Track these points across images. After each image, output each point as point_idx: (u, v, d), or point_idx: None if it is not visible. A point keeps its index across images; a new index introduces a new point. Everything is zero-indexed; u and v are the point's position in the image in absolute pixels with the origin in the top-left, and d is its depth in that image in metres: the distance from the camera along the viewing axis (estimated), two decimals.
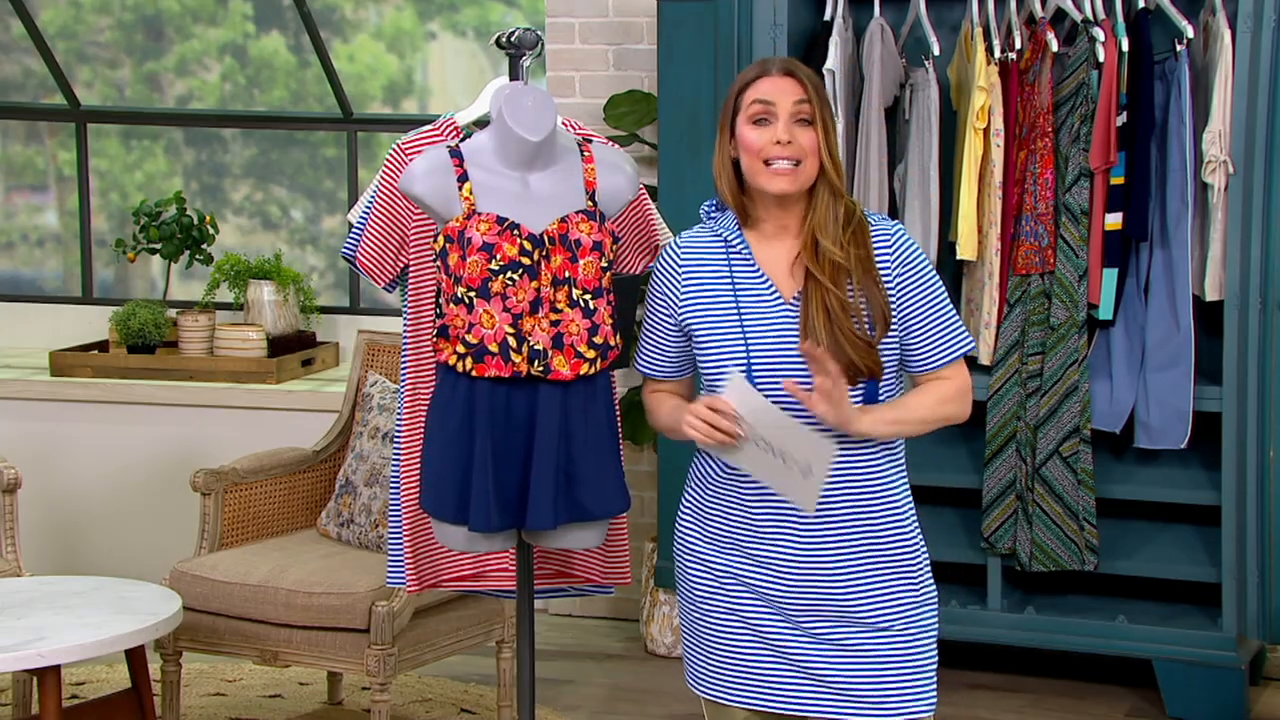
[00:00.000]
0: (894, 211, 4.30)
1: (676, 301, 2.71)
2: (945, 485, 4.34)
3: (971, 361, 4.24)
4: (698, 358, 2.71)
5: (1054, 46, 4.09)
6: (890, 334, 2.63)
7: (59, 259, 6.06)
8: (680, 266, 2.72)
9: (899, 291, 2.64)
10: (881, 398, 2.65)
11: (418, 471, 3.17)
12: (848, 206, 2.65)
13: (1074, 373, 4.11)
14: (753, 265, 2.67)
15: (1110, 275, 4.11)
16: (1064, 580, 4.36)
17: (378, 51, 5.69)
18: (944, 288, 2.69)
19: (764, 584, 2.66)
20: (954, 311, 2.68)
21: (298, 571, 4.00)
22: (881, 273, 2.63)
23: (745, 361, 2.62)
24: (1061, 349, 4.12)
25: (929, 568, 2.72)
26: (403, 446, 3.23)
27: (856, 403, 2.62)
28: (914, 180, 4.24)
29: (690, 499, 2.76)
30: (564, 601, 5.10)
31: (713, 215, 2.75)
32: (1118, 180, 4.08)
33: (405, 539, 3.22)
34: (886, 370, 2.64)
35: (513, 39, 3.14)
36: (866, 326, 2.61)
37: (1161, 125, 4.08)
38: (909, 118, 4.28)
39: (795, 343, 2.61)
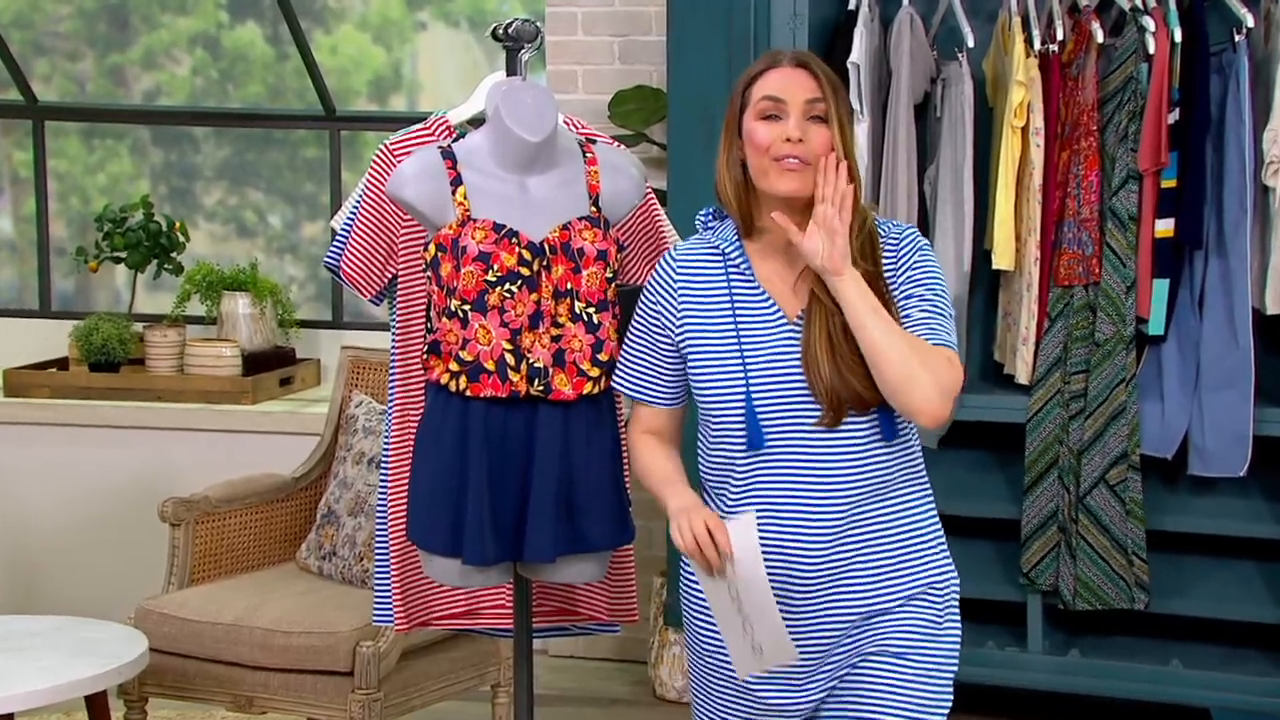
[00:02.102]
0: (924, 217, 4.32)
1: (674, 320, 2.69)
2: (980, 516, 4.36)
3: (1008, 380, 4.26)
4: (692, 384, 2.69)
5: (1099, 37, 4.11)
6: None
7: (14, 268, 6.09)
8: (676, 281, 2.70)
9: (901, 289, 2.62)
10: (901, 431, 2.64)
11: (406, 500, 3.19)
12: (861, 216, 2.62)
13: (1121, 393, 4.13)
14: (752, 282, 2.65)
15: (1161, 287, 4.12)
16: (1111, 620, 4.37)
17: (363, 43, 5.72)
18: (945, 294, 2.63)
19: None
20: (946, 318, 2.61)
21: (275, 609, 4.01)
22: (889, 285, 2.61)
23: (744, 387, 2.60)
24: (1107, 367, 4.13)
25: (955, 599, 2.70)
26: (390, 473, 3.25)
27: (873, 438, 2.60)
28: (946, 183, 4.26)
29: None
30: (565, 642, 5.11)
31: (710, 225, 2.72)
32: (1169, 183, 4.10)
33: (392, 573, 3.23)
34: None
35: (510, 31, 3.16)
36: None
37: (1218, 123, 4.10)
38: (940, 115, 4.30)
39: (798, 367, 2.59)
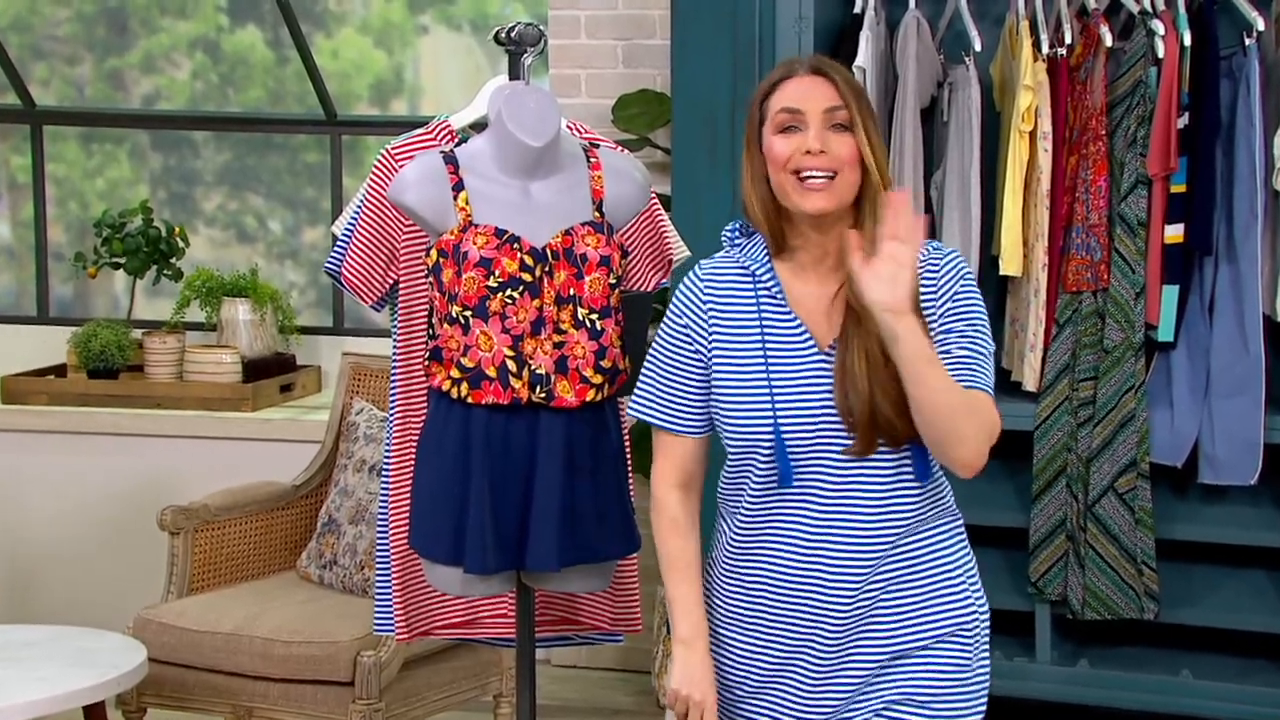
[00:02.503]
0: (931, 222, 4.32)
1: (705, 340, 2.56)
2: (988, 524, 4.34)
3: (1016, 387, 4.26)
4: (717, 415, 2.55)
5: (1108, 41, 4.11)
6: None
7: (12, 274, 6.09)
8: (705, 300, 2.56)
9: (941, 324, 2.50)
10: (935, 470, 2.55)
11: (407, 508, 3.18)
12: None
13: (1130, 400, 4.12)
14: (784, 306, 2.52)
15: (1170, 293, 4.12)
16: (1121, 630, 4.36)
17: (364, 47, 5.72)
18: (986, 329, 2.53)
19: (795, 657, 2.57)
20: (986, 358, 2.52)
21: (275, 618, 4.01)
22: (925, 309, 2.48)
23: (771, 420, 2.48)
24: (1116, 374, 4.13)
25: (986, 635, 2.62)
26: (391, 481, 3.25)
27: (904, 474, 2.50)
28: (953, 188, 4.26)
29: (711, 570, 2.65)
30: (568, 651, 5.11)
31: (736, 241, 2.59)
32: (1179, 188, 4.10)
33: (394, 582, 3.23)
34: None
35: (513, 34, 3.17)
36: None
37: (1228, 127, 4.09)
38: (947, 119, 4.30)
39: (830, 400, 2.47)
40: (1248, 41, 4.05)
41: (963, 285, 2.53)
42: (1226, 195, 4.10)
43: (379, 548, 3.26)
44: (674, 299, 2.60)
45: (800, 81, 2.52)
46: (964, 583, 2.61)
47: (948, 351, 2.49)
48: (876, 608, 2.54)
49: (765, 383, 2.50)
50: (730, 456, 2.58)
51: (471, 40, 5.68)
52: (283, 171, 5.89)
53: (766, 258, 2.55)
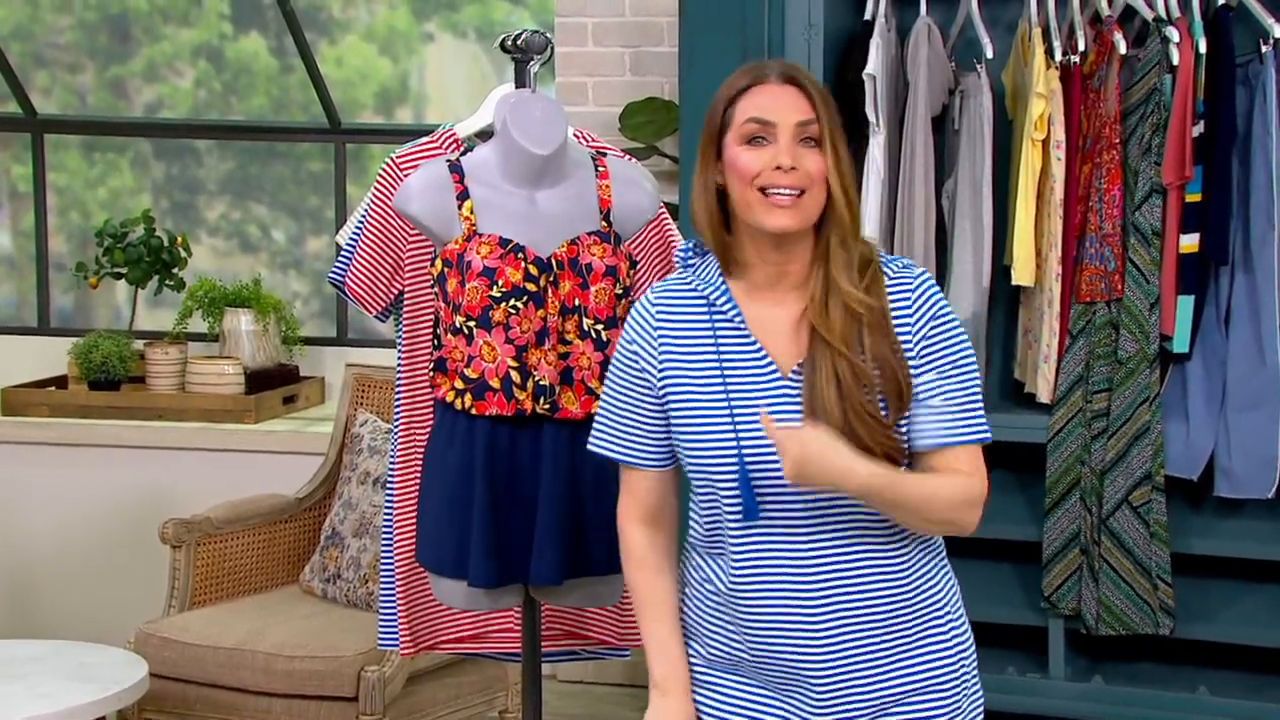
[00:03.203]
0: (942, 232, 4.32)
1: (655, 367, 2.44)
2: (1001, 538, 4.34)
3: (1029, 399, 4.25)
4: (679, 447, 2.43)
5: (1122, 48, 4.11)
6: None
7: (12, 285, 6.10)
8: (655, 326, 2.44)
9: (917, 355, 2.38)
10: None
11: (412, 521, 3.19)
12: (862, 250, 2.40)
13: (1145, 412, 4.12)
14: (742, 331, 2.40)
15: (1186, 303, 4.11)
16: (1136, 645, 4.35)
17: (369, 54, 5.73)
18: (974, 358, 2.43)
19: (786, 702, 2.46)
20: (978, 389, 2.42)
21: (278, 633, 4.01)
22: (899, 333, 2.38)
23: (736, 454, 2.36)
24: (1131, 385, 4.12)
25: (976, 680, 2.53)
26: (396, 493, 3.25)
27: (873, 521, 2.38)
28: (964, 197, 4.26)
29: (689, 610, 2.52)
30: (574, 666, 5.10)
31: (690, 262, 2.46)
32: (1194, 197, 4.09)
33: (398, 596, 3.23)
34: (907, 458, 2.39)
35: (519, 42, 3.17)
36: (880, 401, 2.35)
37: (1244, 135, 4.09)
38: (959, 128, 4.30)
39: (798, 427, 2.32)
40: (1264, 48, 4.05)
41: (939, 307, 2.42)
42: (1243, 204, 4.10)
43: (383, 561, 3.26)
44: (625, 326, 2.49)
45: (771, 90, 2.39)
46: (949, 618, 2.48)
47: (930, 392, 2.39)
48: (864, 650, 2.42)
49: (727, 411, 2.38)
50: (695, 491, 2.46)
51: (477, 48, 5.69)
52: (286, 180, 5.89)
53: (721, 280, 2.43)
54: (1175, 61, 4.05)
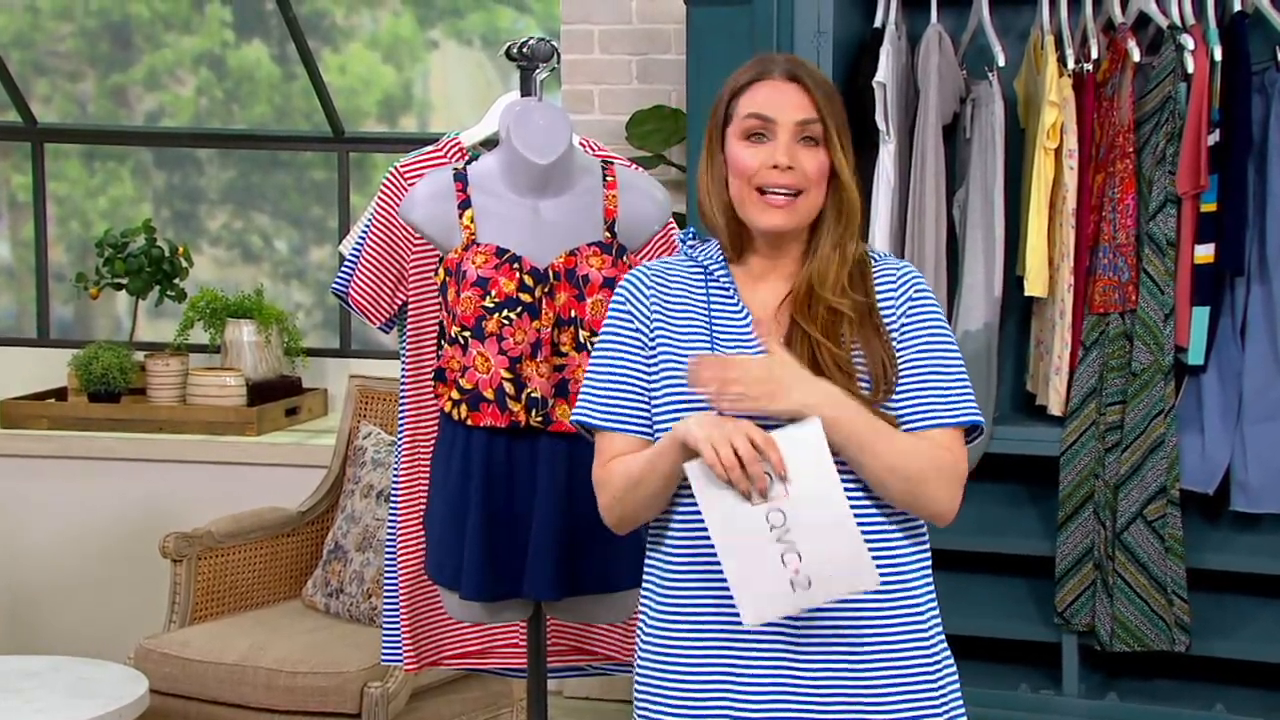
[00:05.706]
0: (953, 241, 4.32)
1: (648, 331, 2.43)
2: (1013, 552, 4.34)
3: (1041, 411, 4.26)
4: (661, 416, 2.39)
5: (1136, 56, 4.12)
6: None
7: (12, 295, 6.12)
8: (649, 290, 2.45)
9: (900, 338, 2.40)
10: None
11: (415, 535, 3.19)
12: (857, 251, 2.43)
13: (1160, 425, 4.12)
14: (734, 302, 2.43)
15: (1201, 314, 4.11)
16: (1151, 662, 4.35)
17: (372, 62, 5.75)
18: (957, 345, 2.44)
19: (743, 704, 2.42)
20: (964, 375, 2.43)
21: (280, 648, 4.02)
22: (885, 319, 2.41)
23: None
24: (1145, 398, 4.12)
25: (956, 685, 2.47)
26: (399, 506, 3.25)
27: (857, 496, 2.33)
28: (976, 207, 4.26)
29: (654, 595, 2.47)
30: (580, 682, 5.11)
31: (691, 246, 2.50)
32: (1209, 207, 4.10)
33: (402, 610, 3.24)
34: None
35: (525, 49, 3.18)
36: (863, 387, 2.36)
37: (1260, 144, 4.09)
38: (970, 136, 4.31)
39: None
40: None
41: (919, 291, 2.44)
42: (1259, 214, 4.10)
43: (387, 575, 3.27)
44: (616, 292, 2.48)
45: (774, 86, 2.41)
46: (931, 627, 2.42)
47: (914, 369, 2.39)
48: (840, 651, 2.37)
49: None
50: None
51: (482, 55, 5.70)
52: (289, 190, 5.91)
53: (722, 256, 2.46)
54: (1190, 69, 4.05)
